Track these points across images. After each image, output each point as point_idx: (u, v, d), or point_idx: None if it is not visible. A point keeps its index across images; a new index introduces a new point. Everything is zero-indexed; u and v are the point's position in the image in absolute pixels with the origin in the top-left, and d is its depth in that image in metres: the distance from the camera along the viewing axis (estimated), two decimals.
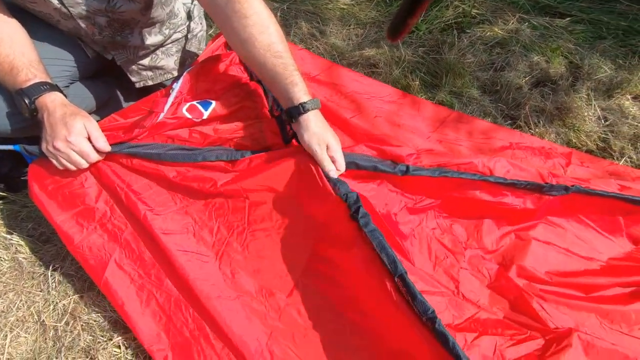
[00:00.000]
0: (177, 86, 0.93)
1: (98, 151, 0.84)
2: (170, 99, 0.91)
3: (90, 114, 0.99)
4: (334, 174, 0.81)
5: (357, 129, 1.12)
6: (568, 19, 1.75)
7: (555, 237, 1.03)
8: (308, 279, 0.87)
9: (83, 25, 0.94)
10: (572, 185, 0.96)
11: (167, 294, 0.86)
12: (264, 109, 0.96)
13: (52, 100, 0.83)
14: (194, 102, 0.91)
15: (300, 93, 0.82)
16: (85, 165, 0.84)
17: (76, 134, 0.81)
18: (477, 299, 0.94)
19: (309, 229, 0.86)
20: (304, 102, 0.81)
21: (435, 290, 0.90)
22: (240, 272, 0.87)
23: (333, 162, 0.83)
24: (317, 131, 0.81)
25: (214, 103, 0.92)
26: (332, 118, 1.04)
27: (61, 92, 0.87)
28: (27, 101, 0.82)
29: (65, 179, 0.90)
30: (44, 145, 0.83)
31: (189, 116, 0.89)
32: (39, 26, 0.95)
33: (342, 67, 1.27)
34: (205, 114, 0.91)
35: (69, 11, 0.90)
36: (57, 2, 0.88)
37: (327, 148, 0.81)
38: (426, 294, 0.88)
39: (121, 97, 1.24)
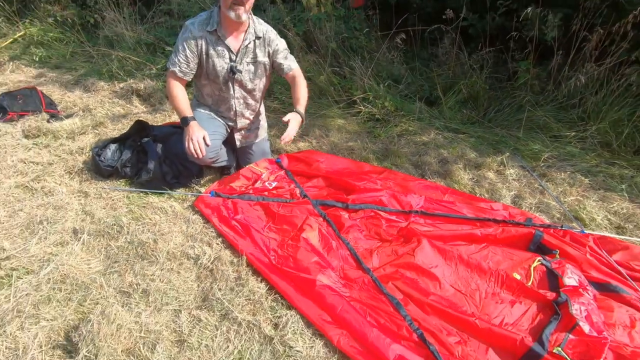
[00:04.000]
0: (265, 175, 2.39)
1: (206, 144, 2.12)
2: (264, 177, 2.37)
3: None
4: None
5: (334, 174, 2.41)
6: (466, 134, 3.11)
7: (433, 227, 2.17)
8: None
9: (236, 103, 2.33)
10: (421, 210, 2.17)
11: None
12: (294, 188, 2.35)
13: (195, 123, 2.14)
14: (269, 181, 2.37)
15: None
16: (199, 150, 2.09)
17: (200, 134, 2.10)
18: (394, 240, 2.05)
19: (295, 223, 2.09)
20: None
21: (372, 242, 2.06)
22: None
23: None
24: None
25: (275, 183, 2.36)
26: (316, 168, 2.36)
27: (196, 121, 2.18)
28: (189, 121, 2.12)
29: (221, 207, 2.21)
30: (187, 138, 2.09)
31: (268, 186, 2.33)
32: (208, 120, 2.33)
33: (326, 154, 2.67)
34: (273, 185, 2.34)
35: (234, 94, 2.28)
36: (232, 92, 2.27)
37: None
38: (365, 243, 2.03)
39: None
